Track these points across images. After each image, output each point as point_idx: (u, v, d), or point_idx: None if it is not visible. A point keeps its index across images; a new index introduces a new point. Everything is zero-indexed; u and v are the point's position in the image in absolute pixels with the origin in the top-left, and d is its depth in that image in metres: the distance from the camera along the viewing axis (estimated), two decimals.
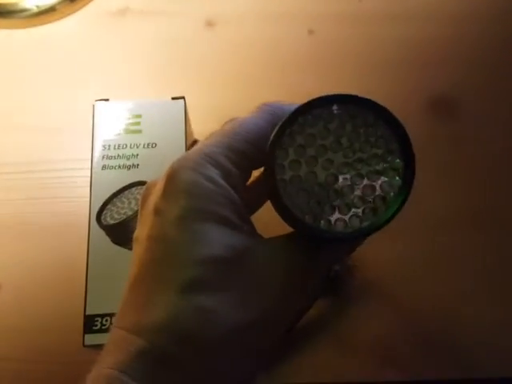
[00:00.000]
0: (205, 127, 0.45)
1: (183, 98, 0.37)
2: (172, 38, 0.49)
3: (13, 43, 0.48)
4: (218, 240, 0.19)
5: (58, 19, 0.50)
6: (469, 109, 0.47)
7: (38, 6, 0.50)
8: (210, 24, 0.50)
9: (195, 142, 0.44)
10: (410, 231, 0.42)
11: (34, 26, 0.49)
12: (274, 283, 0.20)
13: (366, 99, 0.20)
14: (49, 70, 0.47)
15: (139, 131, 0.36)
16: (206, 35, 0.49)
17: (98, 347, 0.32)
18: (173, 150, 0.35)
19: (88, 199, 0.34)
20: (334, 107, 0.21)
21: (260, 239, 0.21)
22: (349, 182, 0.21)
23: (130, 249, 0.33)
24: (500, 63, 0.48)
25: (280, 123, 0.21)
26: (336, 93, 0.21)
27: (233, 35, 0.49)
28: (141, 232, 0.20)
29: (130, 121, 0.36)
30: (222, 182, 0.20)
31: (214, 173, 0.20)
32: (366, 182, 0.21)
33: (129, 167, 0.34)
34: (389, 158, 0.21)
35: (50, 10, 0.50)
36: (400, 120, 0.21)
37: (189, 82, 0.47)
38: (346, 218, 0.21)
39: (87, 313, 0.32)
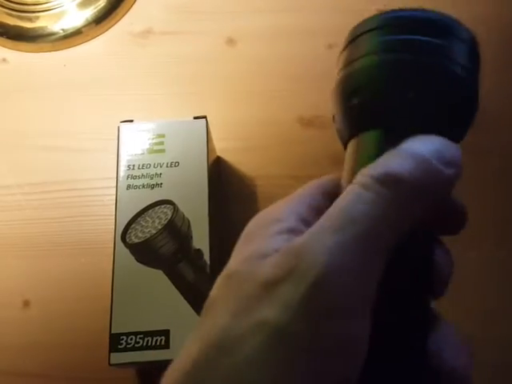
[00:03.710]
0: (228, 144, 0.46)
1: (205, 117, 0.38)
2: (194, 57, 0.50)
3: (40, 66, 0.50)
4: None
5: (84, 42, 0.51)
6: (495, 119, 0.46)
7: (64, 30, 0.51)
8: (231, 41, 0.50)
9: (218, 159, 0.45)
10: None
11: (61, 49, 0.51)
12: None
13: None
14: (75, 92, 0.48)
15: (162, 151, 0.36)
16: (228, 53, 0.50)
17: (124, 366, 0.33)
18: (195, 169, 0.36)
19: (112, 218, 0.34)
20: None
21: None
22: None
23: (154, 267, 0.33)
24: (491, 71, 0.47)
25: None
26: None
27: (254, 52, 0.50)
28: None
29: (154, 141, 0.37)
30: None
31: None
32: None
33: (152, 186, 0.35)
34: None
35: (76, 33, 0.52)
36: None
37: (212, 99, 0.48)
38: None
39: (113, 331, 0.32)
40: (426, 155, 0.18)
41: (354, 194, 0.17)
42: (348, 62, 0.21)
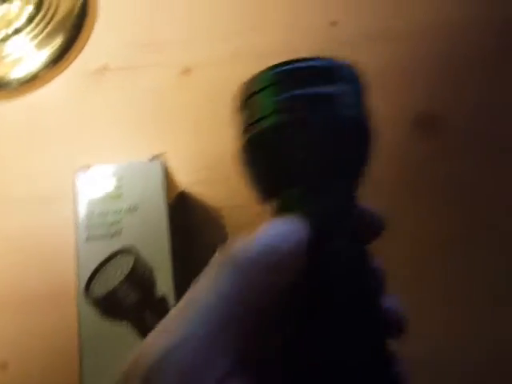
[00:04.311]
0: (191, 177, 0.45)
1: (161, 157, 0.37)
2: (152, 90, 0.49)
3: None
4: None
5: (40, 86, 0.51)
6: (455, 125, 0.45)
7: (19, 78, 0.51)
8: (187, 71, 0.50)
9: (182, 193, 0.44)
10: (402, 252, 0.41)
11: (17, 96, 0.50)
12: None
13: None
14: (31, 140, 0.48)
15: (120, 196, 0.36)
16: (184, 82, 0.49)
17: None
18: (154, 212, 0.35)
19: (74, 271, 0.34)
20: None
21: None
22: None
23: (120, 319, 0.33)
24: (481, 76, 0.47)
25: None
26: None
27: (211, 78, 0.49)
28: None
29: (112, 185, 0.36)
30: None
31: None
32: None
33: (112, 235, 0.34)
34: None
35: (33, 78, 0.51)
36: None
37: (173, 132, 0.47)
38: None
39: None
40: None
41: (207, 269, 0.18)
42: (242, 130, 0.21)
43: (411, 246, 0.42)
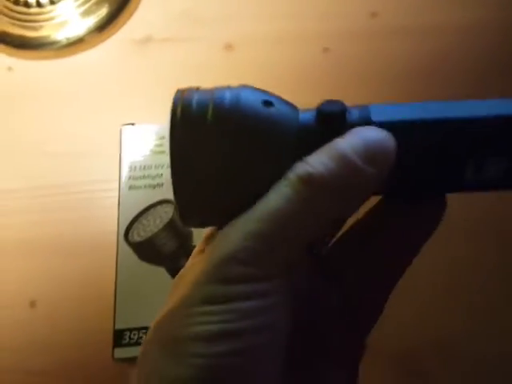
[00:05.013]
0: None
1: None
2: (192, 63, 0.51)
3: (44, 74, 0.51)
4: None
5: (87, 49, 0.53)
6: None
7: (67, 38, 0.53)
8: (229, 47, 0.52)
9: None
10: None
11: (64, 56, 0.52)
12: None
13: None
14: (78, 98, 0.49)
15: (163, 152, 0.37)
16: (226, 58, 0.51)
17: (128, 361, 0.34)
18: None
19: (115, 218, 0.36)
20: None
21: None
22: None
23: (157, 265, 0.35)
24: None
25: None
26: None
27: (251, 57, 0.51)
28: None
29: (155, 142, 0.38)
30: None
31: None
32: None
33: (154, 186, 0.36)
34: None
35: (79, 41, 0.53)
36: None
37: None
38: None
39: (116, 327, 0.33)
40: (347, 152, 0.17)
41: (277, 188, 0.18)
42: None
43: None
